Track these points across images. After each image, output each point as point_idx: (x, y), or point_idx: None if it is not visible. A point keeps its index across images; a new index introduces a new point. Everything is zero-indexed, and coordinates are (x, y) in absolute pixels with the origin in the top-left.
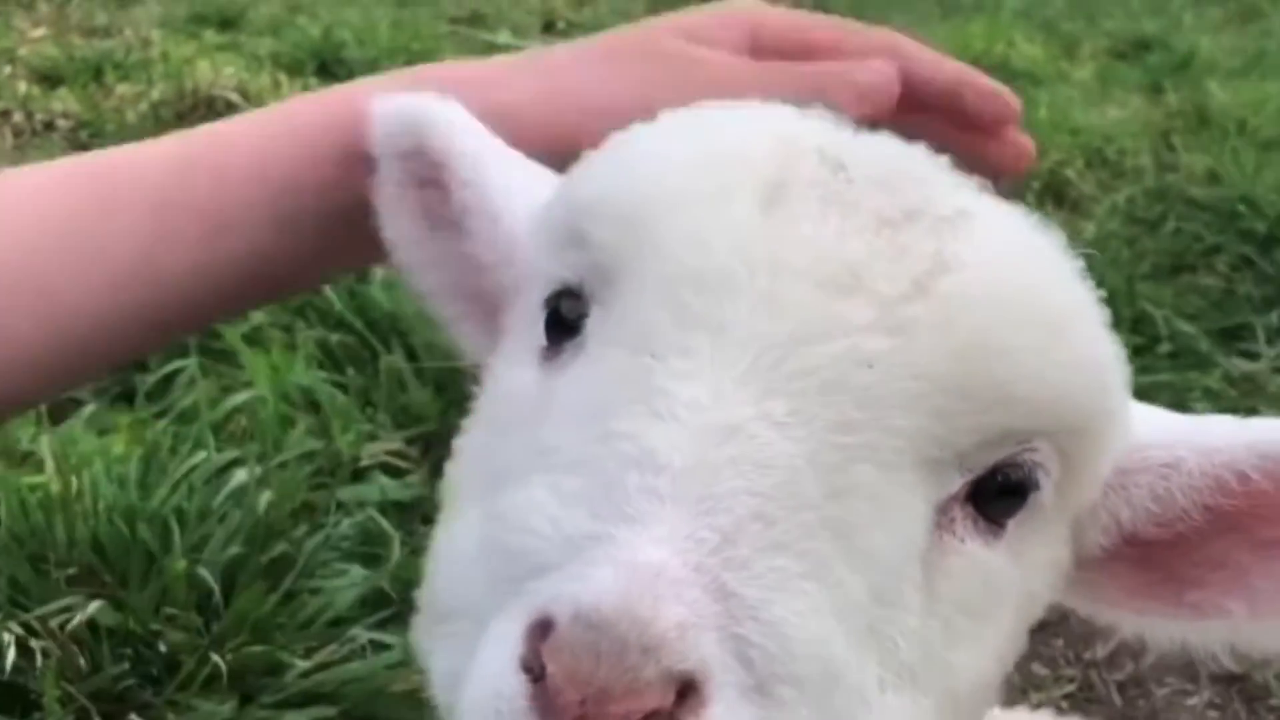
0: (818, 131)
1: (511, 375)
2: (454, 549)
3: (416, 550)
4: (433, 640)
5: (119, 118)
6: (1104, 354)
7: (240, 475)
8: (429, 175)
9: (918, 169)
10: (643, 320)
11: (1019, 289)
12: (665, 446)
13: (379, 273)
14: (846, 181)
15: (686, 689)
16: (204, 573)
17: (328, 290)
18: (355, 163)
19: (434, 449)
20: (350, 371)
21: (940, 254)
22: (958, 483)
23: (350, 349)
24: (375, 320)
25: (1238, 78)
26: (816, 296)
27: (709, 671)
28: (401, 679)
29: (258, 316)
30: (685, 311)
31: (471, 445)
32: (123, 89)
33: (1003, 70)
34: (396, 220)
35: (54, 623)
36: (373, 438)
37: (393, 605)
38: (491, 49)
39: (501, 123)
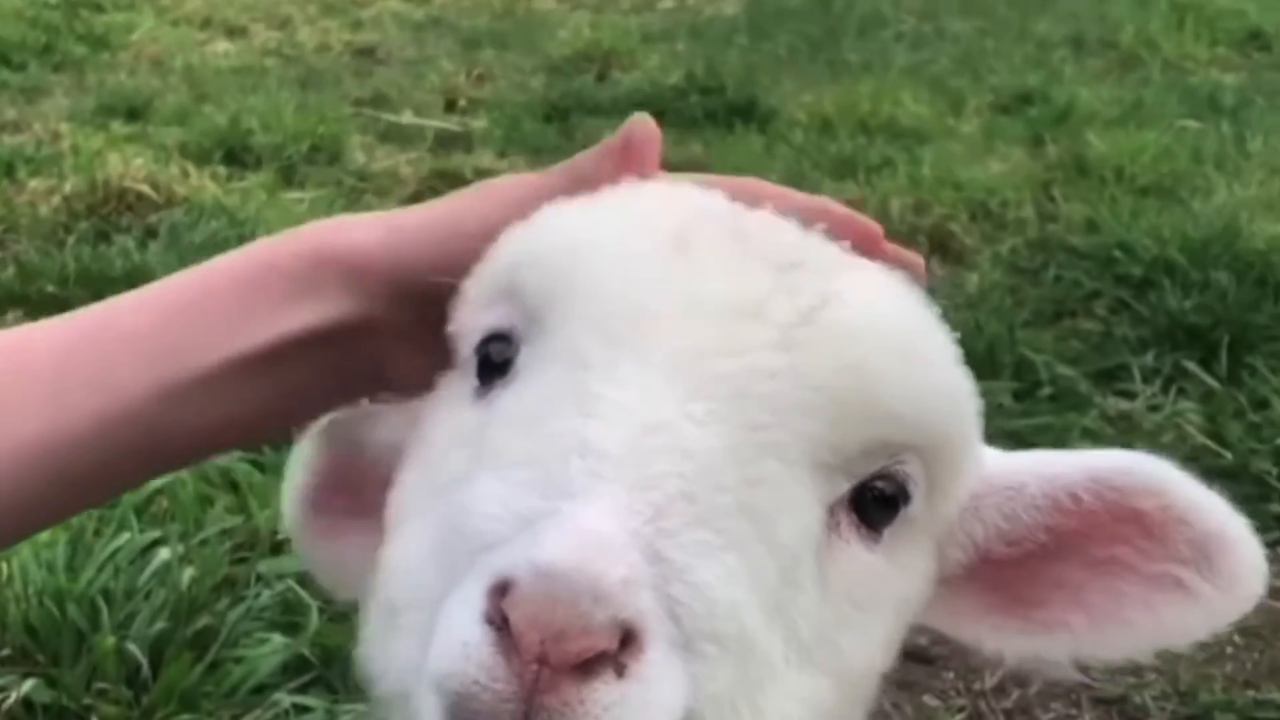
0: (716, 201)
1: (447, 413)
2: (404, 552)
3: (334, 618)
4: (386, 640)
5: (33, 212)
6: (960, 385)
7: (163, 554)
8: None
9: (799, 231)
10: (573, 345)
11: (890, 323)
12: (602, 438)
13: None
14: (742, 237)
15: (627, 637)
16: (133, 648)
17: None
18: (245, 316)
19: None
20: (266, 450)
21: (825, 292)
22: (844, 487)
23: None
24: None
25: (1116, 127)
26: (724, 320)
27: (646, 622)
28: None
29: None
30: (612, 335)
31: (412, 475)
32: (35, 183)
33: (890, 129)
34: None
35: None
36: None
37: (313, 670)
38: (395, 129)
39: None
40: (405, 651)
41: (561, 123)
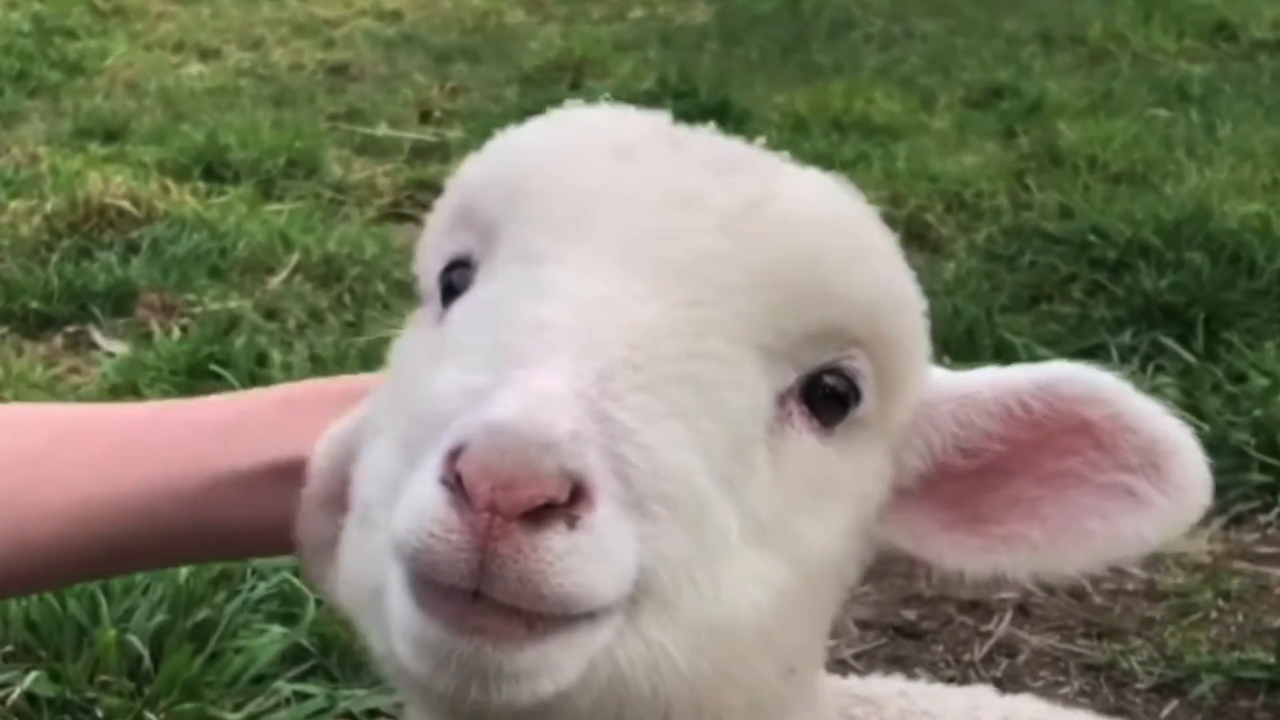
0: (657, 119)
1: (415, 337)
2: (372, 460)
3: (332, 608)
4: (358, 548)
5: (13, 232)
6: (902, 277)
7: None
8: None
9: (733, 145)
10: (524, 243)
11: (831, 213)
12: (549, 313)
13: (277, 357)
14: (681, 145)
15: (577, 493)
16: (134, 640)
17: (229, 375)
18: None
19: None
20: None
21: (765, 188)
22: (791, 377)
23: None
24: None
25: (1086, 117)
26: (666, 210)
27: (595, 476)
28: None
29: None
30: (558, 230)
31: (380, 398)
32: (15, 204)
33: (863, 126)
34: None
35: None
36: None
37: (312, 659)
38: (370, 142)
39: None
40: (375, 545)
41: None
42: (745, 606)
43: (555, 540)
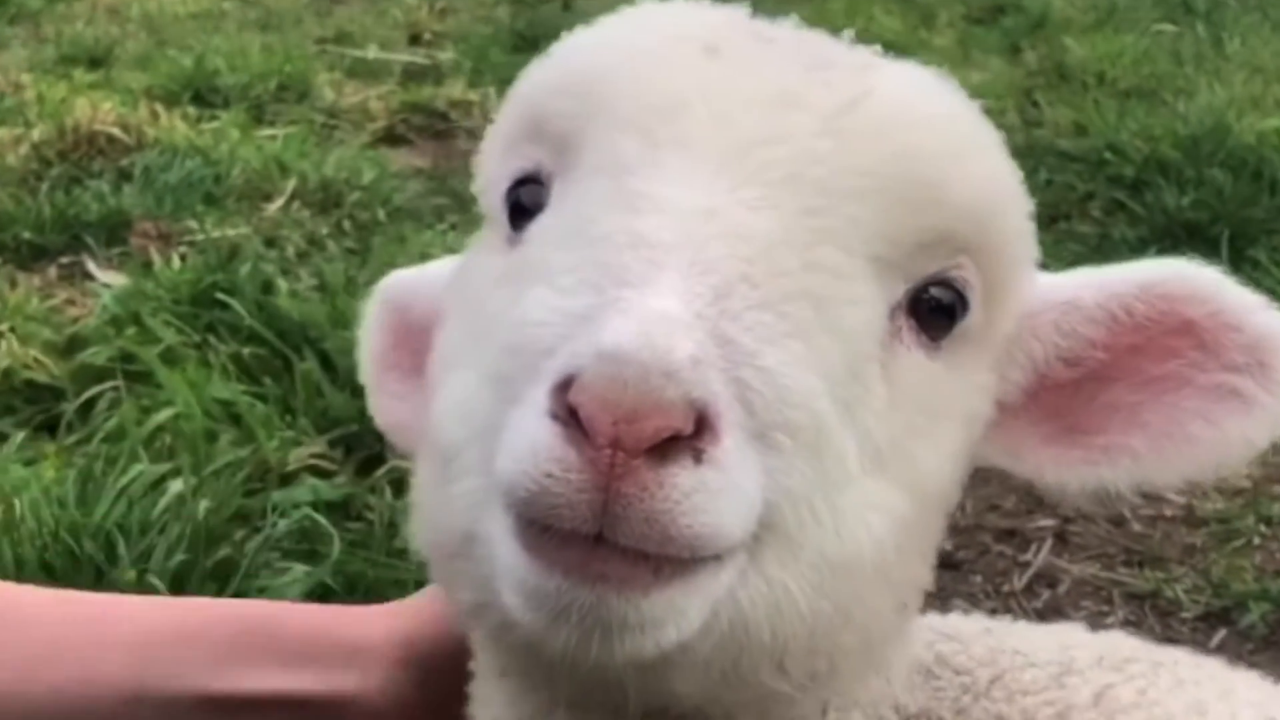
0: (737, 13)
1: (482, 261)
2: (453, 396)
3: (355, 545)
4: (440, 492)
5: (1, 161)
6: (1010, 177)
7: (175, 486)
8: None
9: (825, 40)
10: (613, 152)
11: (935, 110)
12: (654, 228)
13: (284, 284)
14: (771, 40)
15: (701, 423)
16: (155, 580)
17: (236, 304)
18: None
19: (356, 450)
20: (267, 381)
21: (863, 85)
22: (901, 289)
23: (264, 360)
24: (286, 330)
25: (1093, 32)
26: (765, 110)
27: (720, 405)
28: None
29: (170, 335)
30: (652, 135)
31: (451, 327)
32: (1, 133)
33: (862, 43)
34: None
35: None
36: (296, 444)
37: (337, 598)
38: (361, 64)
39: None
40: (465, 489)
41: (531, 52)
42: (866, 539)
43: (682, 476)
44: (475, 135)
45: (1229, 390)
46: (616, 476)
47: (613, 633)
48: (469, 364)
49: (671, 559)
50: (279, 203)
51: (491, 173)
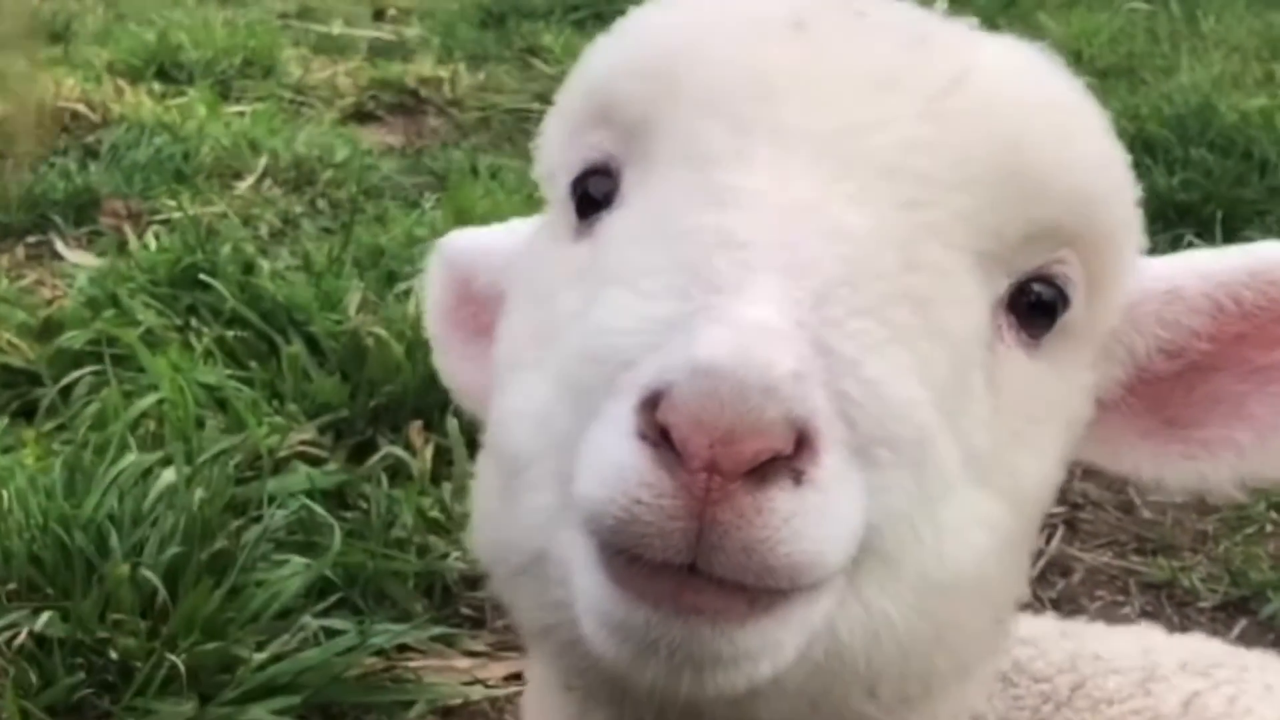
0: None
1: (547, 255)
2: (522, 402)
3: (352, 534)
4: (508, 503)
5: None
6: (1118, 163)
7: (168, 475)
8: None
9: (917, 12)
10: (695, 140)
11: (1040, 90)
12: (745, 227)
13: (266, 264)
14: (862, 14)
15: (801, 441)
16: (148, 574)
17: (218, 285)
18: None
19: (345, 436)
20: (253, 365)
21: (963, 63)
22: (1004, 284)
23: (248, 343)
24: (270, 312)
25: (1066, 10)
26: (861, 93)
27: (822, 423)
28: (357, 663)
29: (150, 317)
30: (738, 120)
31: (516, 323)
32: None
33: None
34: (451, 345)
35: (0, 640)
36: (286, 430)
37: (338, 592)
38: (327, 40)
39: None
40: (537, 506)
41: (499, 28)
42: (968, 557)
43: (781, 500)
44: (446, 112)
45: None
46: (712, 502)
47: (704, 668)
48: (539, 366)
49: (769, 589)
50: (250, 181)
51: (555, 158)
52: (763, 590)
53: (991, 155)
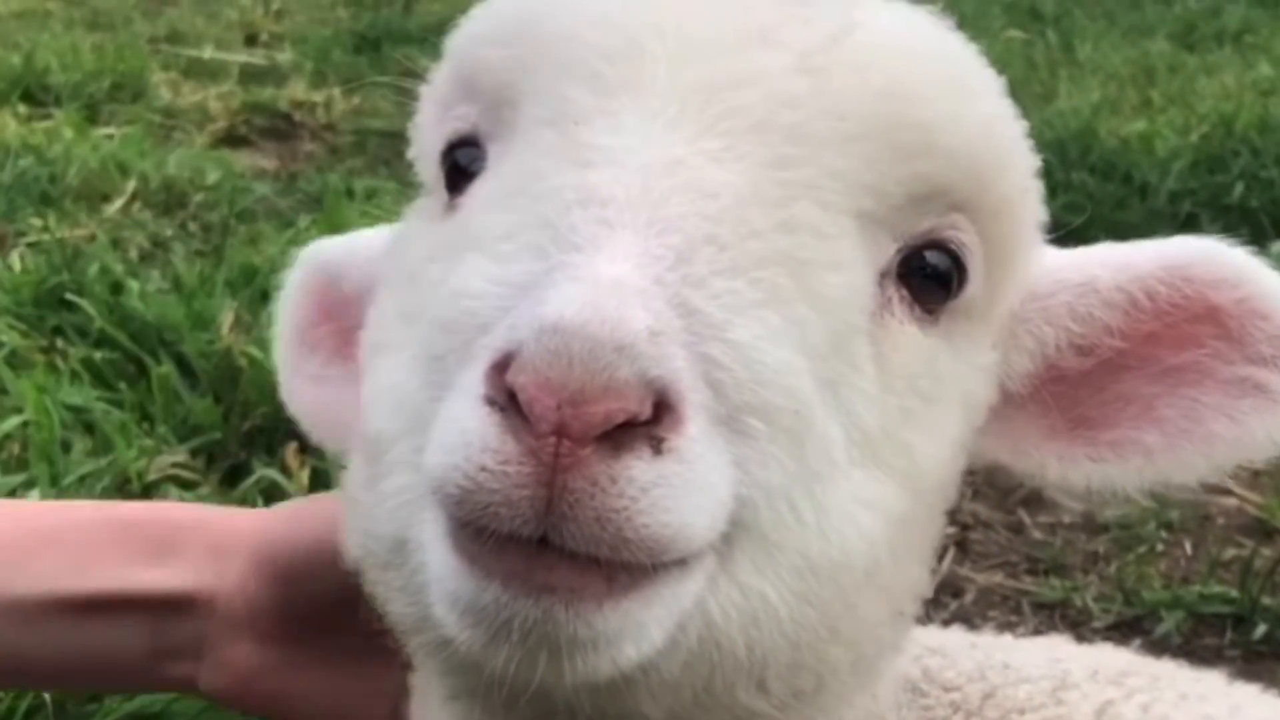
0: None
1: (417, 230)
2: (386, 381)
3: None
4: (372, 488)
5: None
6: (1010, 123)
7: (31, 499)
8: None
9: None
10: (558, 102)
11: (927, 45)
12: (604, 184)
13: (135, 285)
14: None
15: (661, 407)
16: None
17: (86, 305)
18: None
19: (219, 458)
20: (122, 387)
21: (848, 18)
22: (891, 251)
23: (117, 364)
24: (139, 332)
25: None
26: (732, 50)
27: (683, 387)
28: None
29: (14, 339)
30: (602, 79)
31: (384, 303)
32: None
33: None
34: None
35: None
36: (156, 452)
37: None
38: (197, 65)
39: None
40: (397, 488)
41: (373, 53)
42: (856, 539)
43: (638, 469)
44: (320, 136)
45: (1253, 384)
46: (562, 469)
47: (561, 652)
48: (401, 345)
49: (628, 565)
50: (119, 203)
51: (426, 138)
52: (621, 566)
53: (870, 109)
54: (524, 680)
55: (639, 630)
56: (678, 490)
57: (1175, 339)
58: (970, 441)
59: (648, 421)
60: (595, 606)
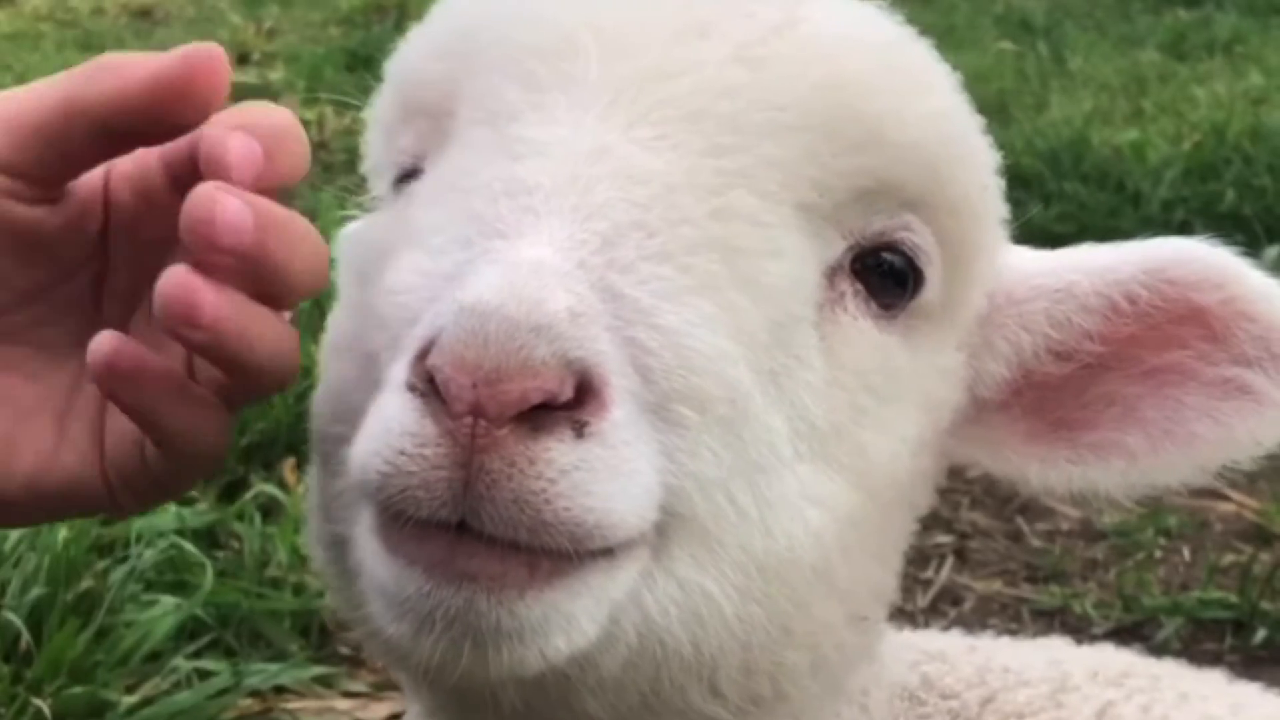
0: None
1: (369, 233)
2: (330, 382)
3: (224, 573)
4: (322, 494)
5: None
6: (963, 119)
7: None
8: None
9: None
10: (493, 98)
11: (872, 39)
12: (530, 171)
13: None
14: None
15: (585, 391)
16: (10, 616)
17: None
18: None
19: (217, 473)
20: None
21: (791, 12)
22: (840, 248)
23: None
24: None
25: (936, 50)
26: (668, 42)
27: (606, 371)
28: (232, 705)
29: None
30: (534, 78)
31: (335, 315)
32: None
33: None
34: None
35: None
36: None
37: (210, 632)
38: None
39: None
40: (340, 489)
41: (366, 70)
42: (803, 535)
43: (558, 451)
44: (312, 154)
45: (1237, 386)
46: (479, 450)
47: (486, 642)
48: (348, 347)
49: (551, 553)
50: None
51: (374, 156)
52: (544, 554)
53: (811, 100)
54: (449, 671)
55: (567, 621)
56: (600, 475)
57: (1158, 340)
58: (938, 443)
59: (570, 405)
60: (518, 595)
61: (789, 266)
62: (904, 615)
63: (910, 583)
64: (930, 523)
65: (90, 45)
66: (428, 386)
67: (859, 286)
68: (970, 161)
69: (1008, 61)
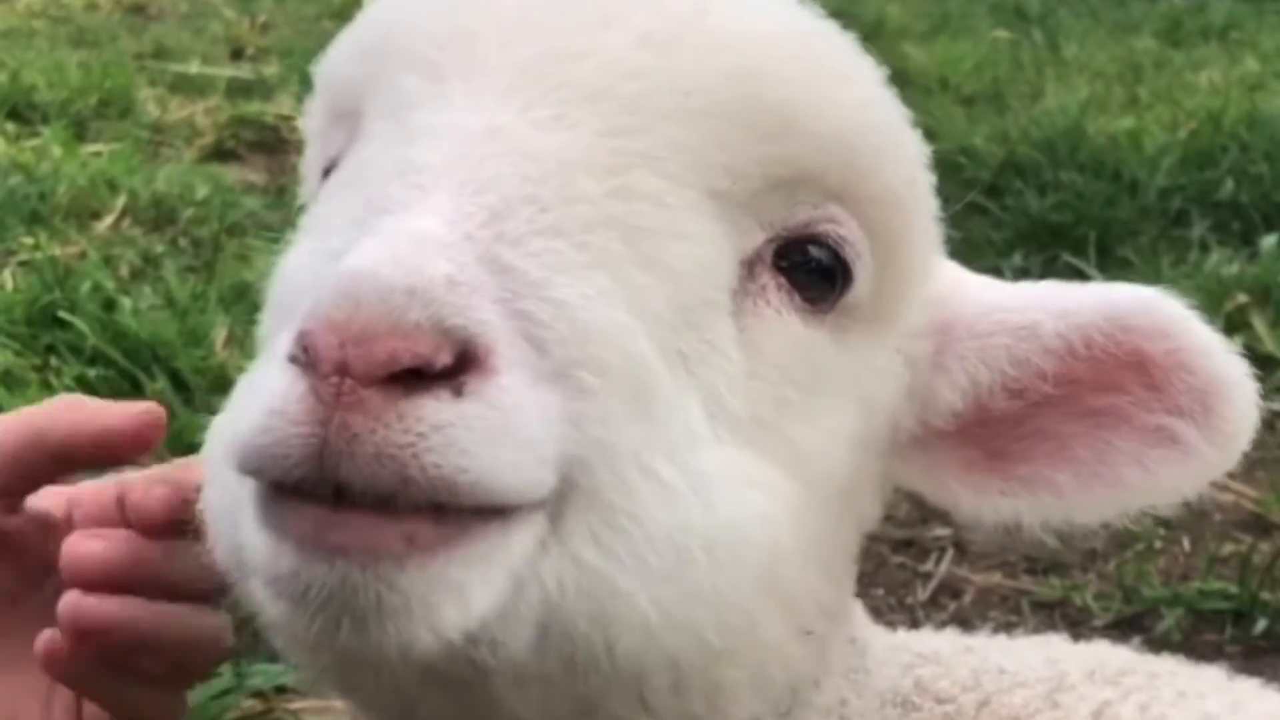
0: None
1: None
2: (245, 381)
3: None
4: (216, 489)
5: None
6: (885, 109)
7: None
8: None
9: None
10: (396, 92)
11: (785, 29)
12: (421, 153)
13: (127, 302)
14: None
15: (468, 361)
16: None
17: (79, 324)
18: None
19: None
20: None
21: (701, 5)
22: (760, 237)
23: (111, 382)
24: (132, 349)
25: (929, 39)
26: (571, 28)
27: (491, 339)
28: (234, 706)
29: (7, 357)
30: (433, 68)
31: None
32: None
33: None
34: None
35: None
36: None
37: None
38: (184, 80)
39: None
40: (230, 480)
41: None
42: (747, 516)
43: (431, 409)
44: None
45: (1168, 435)
46: (343, 407)
47: (367, 618)
48: (262, 344)
49: (438, 519)
50: (110, 220)
51: (308, 164)
52: (426, 522)
53: (719, 87)
54: (325, 649)
55: (459, 592)
56: (479, 435)
57: (1100, 382)
58: (881, 457)
59: (449, 373)
60: (397, 567)
61: (697, 249)
62: (904, 608)
63: (910, 576)
64: (928, 515)
65: (84, 41)
66: (304, 354)
67: (782, 280)
68: (895, 153)
69: (1003, 50)
